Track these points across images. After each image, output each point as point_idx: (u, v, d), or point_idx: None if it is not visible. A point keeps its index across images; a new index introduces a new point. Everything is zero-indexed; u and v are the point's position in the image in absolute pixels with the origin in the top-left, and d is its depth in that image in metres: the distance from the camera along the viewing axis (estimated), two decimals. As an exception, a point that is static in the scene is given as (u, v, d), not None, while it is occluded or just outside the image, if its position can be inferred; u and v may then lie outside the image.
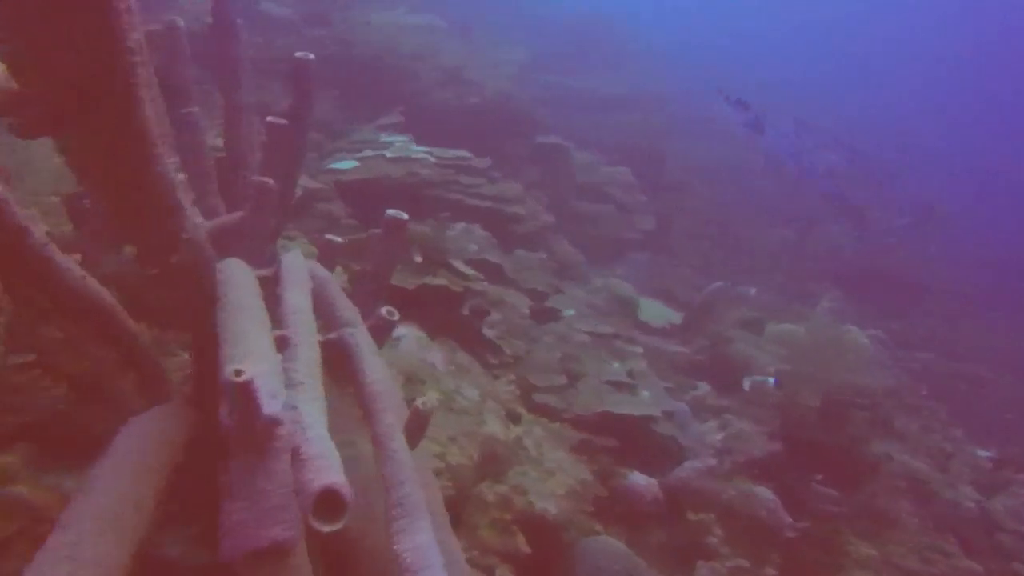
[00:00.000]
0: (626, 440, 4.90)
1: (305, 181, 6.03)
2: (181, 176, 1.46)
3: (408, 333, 3.70)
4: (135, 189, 1.28)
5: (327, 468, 1.56)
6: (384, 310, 2.75)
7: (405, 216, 2.93)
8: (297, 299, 2.26)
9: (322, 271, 2.76)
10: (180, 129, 3.09)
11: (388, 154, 6.79)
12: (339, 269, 3.78)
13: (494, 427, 3.66)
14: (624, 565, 3.78)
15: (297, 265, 2.53)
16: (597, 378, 5.21)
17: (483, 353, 4.63)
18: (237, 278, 2.30)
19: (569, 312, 6.02)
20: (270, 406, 1.46)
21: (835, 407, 5.98)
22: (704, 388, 6.65)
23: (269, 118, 3.01)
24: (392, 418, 2.02)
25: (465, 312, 4.65)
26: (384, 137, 7.27)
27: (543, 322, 5.65)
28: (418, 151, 6.94)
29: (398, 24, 9.07)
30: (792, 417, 5.91)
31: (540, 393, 4.80)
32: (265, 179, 2.82)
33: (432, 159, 6.86)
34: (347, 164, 6.66)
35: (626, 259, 8.93)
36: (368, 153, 6.81)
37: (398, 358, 3.52)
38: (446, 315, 4.44)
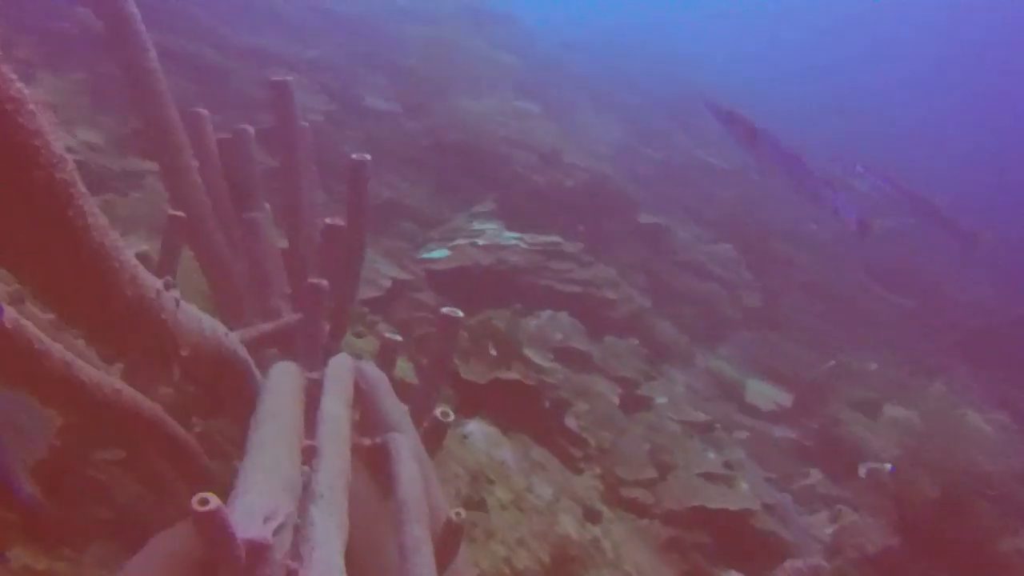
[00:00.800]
0: (721, 537, 4.61)
1: (396, 271, 6.13)
2: (173, 293, 1.45)
3: (478, 429, 3.62)
4: (103, 308, 1.28)
5: (324, 594, 1.49)
6: (439, 411, 2.68)
7: (459, 313, 2.89)
8: (333, 408, 2.23)
9: (374, 371, 2.74)
10: (247, 232, 3.18)
11: (480, 241, 6.84)
12: (404, 361, 3.76)
13: (568, 527, 3.50)
14: None
15: (342, 370, 2.51)
16: (690, 469, 4.95)
17: (564, 447, 4.48)
18: (277, 384, 2.30)
19: (662, 400, 5.79)
20: (252, 530, 1.40)
21: (959, 497, 5.47)
22: (815, 476, 6.24)
23: (327, 220, 3.07)
24: (418, 532, 1.93)
25: (545, 404, 4.53)
26: (476, 224, 7.34)
27: (633, 411, 5.45)
28: (509, 238, 6.97)
29: (492, 111, 9.26)
30: (911, 508, 5.43)
31: (627, 487, 4.58)
32: (319, 281, 2.85)
33: (523, 245, 6.86)
34: (439, 253, 6.74)
35: (731, 338, 8.59)
36: (460, 241, 6.88)
37: (466, 456, 3.44)
38: (521, 409, 4.34)
